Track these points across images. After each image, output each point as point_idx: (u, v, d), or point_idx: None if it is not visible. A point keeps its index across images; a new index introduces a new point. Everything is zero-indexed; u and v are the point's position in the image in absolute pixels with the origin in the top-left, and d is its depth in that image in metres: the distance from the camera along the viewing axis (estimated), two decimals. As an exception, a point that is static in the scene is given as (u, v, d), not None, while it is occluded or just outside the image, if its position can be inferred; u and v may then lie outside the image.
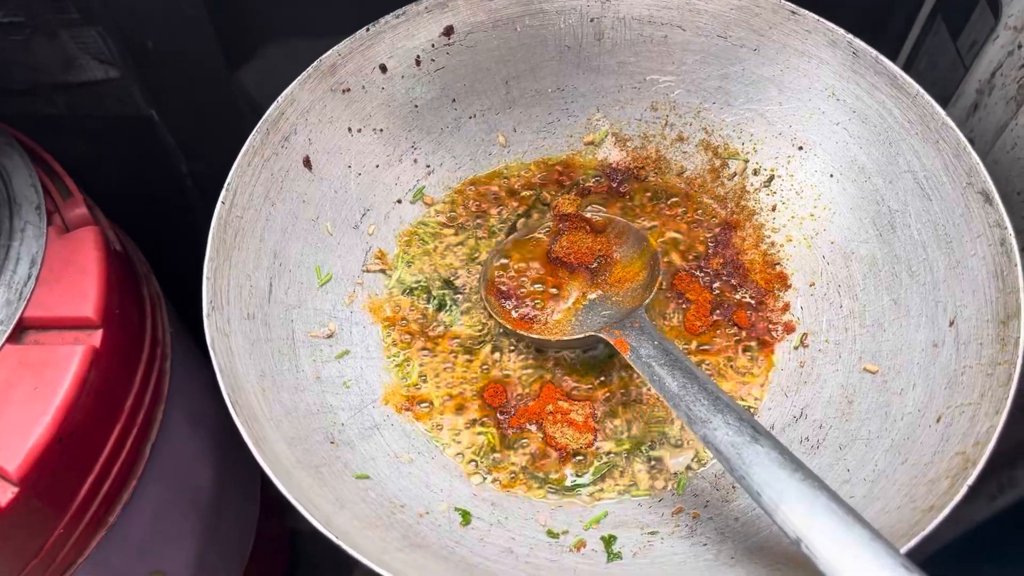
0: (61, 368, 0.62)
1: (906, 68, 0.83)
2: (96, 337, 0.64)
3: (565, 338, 0.58)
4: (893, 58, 0.84)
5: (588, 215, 0.64)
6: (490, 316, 0.60)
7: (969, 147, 0.54)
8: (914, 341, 0.54)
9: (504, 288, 0.61)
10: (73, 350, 0.63)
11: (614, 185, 0.67)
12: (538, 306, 0.61)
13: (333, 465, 0.51)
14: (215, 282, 0.51)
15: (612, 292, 0.61)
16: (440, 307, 0.62)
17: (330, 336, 0.58)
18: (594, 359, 0.60)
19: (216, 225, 0.53)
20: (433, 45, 0.63)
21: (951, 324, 0.52)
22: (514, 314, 0.60)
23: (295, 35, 0.83)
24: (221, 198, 0.54)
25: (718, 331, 0.61)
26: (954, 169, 0.54)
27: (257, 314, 0.53)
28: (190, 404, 0.81)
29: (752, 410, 0.58)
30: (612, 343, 0.55)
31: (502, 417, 0.58)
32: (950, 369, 0.51)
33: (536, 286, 0.62)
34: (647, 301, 0.58)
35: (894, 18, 0.82)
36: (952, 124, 0.55)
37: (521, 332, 0.59)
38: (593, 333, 0.57)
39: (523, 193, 0.66)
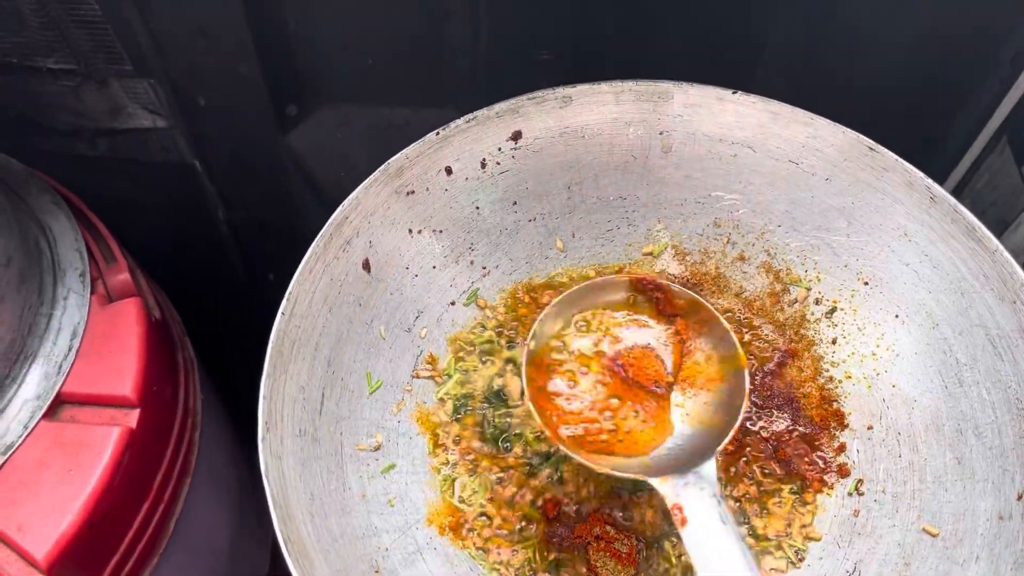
0: (96, 450, 0.61)
1: (963, 184, 0.82)
2: (133, 417, 0.63)
3: (615, 473, 0.51)
4: (949, 171, 0.84)
5: (667, 285, 0.56)
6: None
7: (1049, 315, 0.53)
8: (978, 508, 0.53)
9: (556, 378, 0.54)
10: (110, 431, 0.61)
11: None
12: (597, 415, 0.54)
13: (377, 598, 0.49)
14: (271, 400, 0.50)
15: (685, 399, 0.54)
16: (488, 425, 0.61)
17: (377, 448, 0.57)
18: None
19: (275, 338, 0.51)
20: (500, 149, 0.62)
21: (1019, 498, 0.51)
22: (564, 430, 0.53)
23: (346, 101, 0.82)
24: (281, 309, 0.53)
25: (761, 464, 0.60)
26: (1031, 334, 0.53)
27: (308, 429, 0.52)
28: (214, 469, 0.80)
29: (800, 552, 0.57)
30: (669, 506, 0.48)
31: (546, 534, 0.56)
32: (1017, 547, 0.50)
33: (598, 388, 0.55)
34: (725, 441, 0.50)
35: (956, 131, 0.81)
36: (1032, 288, 0.54)
37: (572, 454, 0.52)
38: (647, 479, 0.50)
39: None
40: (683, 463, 0.50)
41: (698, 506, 0.48)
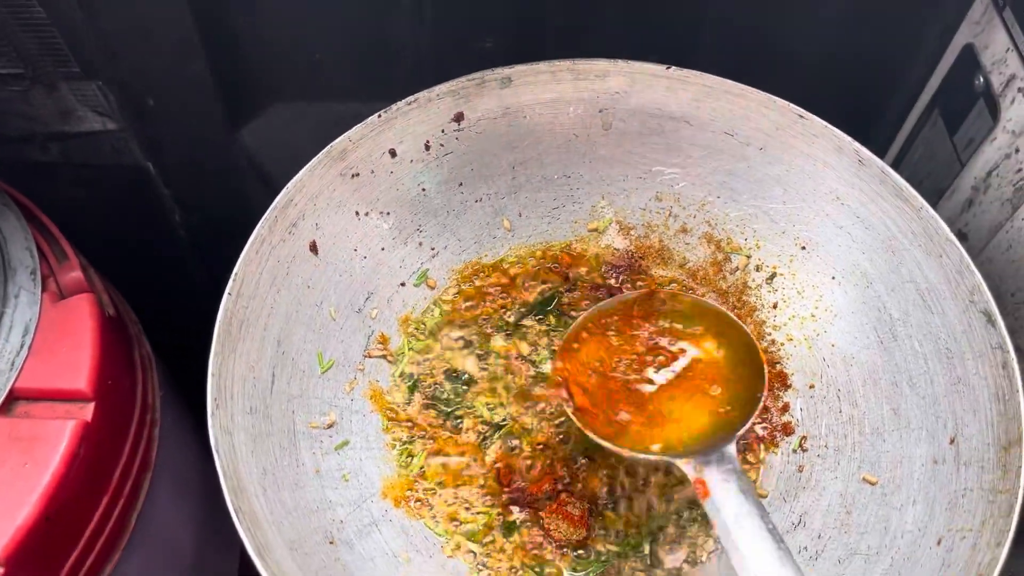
0: (51, 444, 0.61)
1: (901, 156, 0.84)
2: (88, 411, 0.63)
3: (640, 456, 0.52)
4: (888, 144, 0.86)
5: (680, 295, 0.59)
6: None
7: (972, 265, 0.55)
8: (914, 455, 0.54)
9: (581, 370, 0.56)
10: (64, 425, 0.62)
11: (616, 284, 0.67)
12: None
13: (332, 569, 0.50)
14: (220, 378, 0.50)
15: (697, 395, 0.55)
16: (441, 401, 0.62)
17: (330, 426, 0.58)
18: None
19: (222, 317, 0.52)
20: (443, 131, 0.64)
21: (951, 442, 0.53)
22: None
23: (298, 97, 0.83)
24: (228, 289, 0.53)
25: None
26: (957, 285, 0.55)
27: (259, 407, 0.53)
28: (177, 467, 0.80)
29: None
30: (691, 481, 0.50)
31: (504, 498, 0.58)
32: (950, 489, 0.52)
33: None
34: (746, 426, 0.52)
35: (891, 106, 0.83)
36: (956, 241, 0.56)
37: (596, 438, 0.53)
38: (671, 460, 0.51)
39: (528, 286, 0.66)
40: (701, 449, 0.52)
41: (719, 479, 0.49)
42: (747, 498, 0.48)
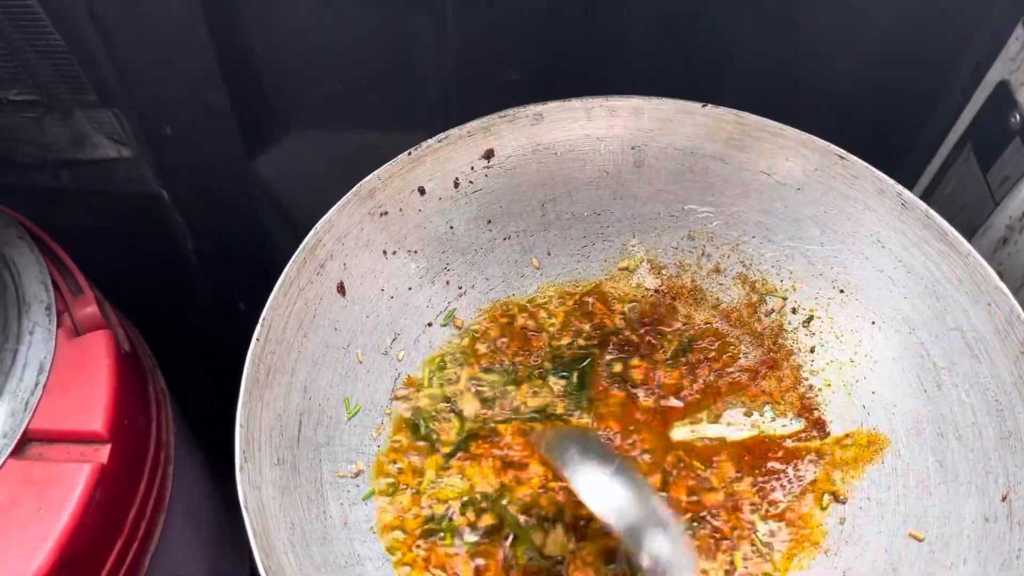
0: (67, 488, 0.59)
1: (930, 190, 0.83)
2: (104, 453, 0.61)
3: None
4: (916, 177, 0.85)
5: None
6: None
7: (1024, 316, 0.53)
8: (963, 511, 0.53)
9: None
10: (80, 468, 0.60)
11: (640, 336, 0.65)
12: None
13: (363, 629, 0.48)
14: (248, 429, 0.49)
15: None
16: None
17: (357, 475, 0.56)
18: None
19: (250, 364, 0.50)
20: (472, 168, 0.62)
21: (1003, 499, 0.51)
22: None
23: (316, 125, 0.81)
24: (256, 335, 0.52)
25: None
26: (1006, 335, 0.54)
27: (287, 458, 0.51)
28: (189, 503, 0.78)
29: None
30: None
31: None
32: (1003, 549, 0.50)
33: None
34: None
35: (920, 140, 0.82)
36: (1006, 290, 0.54)
37: None
38: None
39: (556, 332, 0.65)
40: None
41: None
42: None
